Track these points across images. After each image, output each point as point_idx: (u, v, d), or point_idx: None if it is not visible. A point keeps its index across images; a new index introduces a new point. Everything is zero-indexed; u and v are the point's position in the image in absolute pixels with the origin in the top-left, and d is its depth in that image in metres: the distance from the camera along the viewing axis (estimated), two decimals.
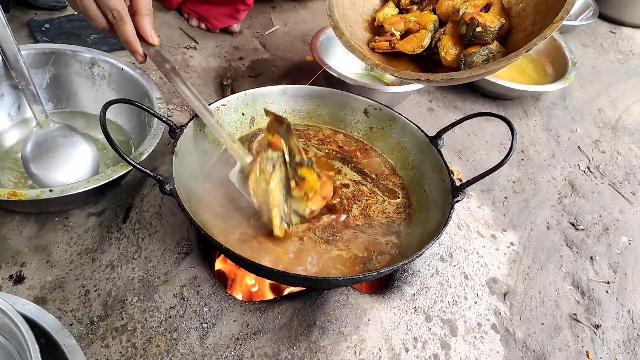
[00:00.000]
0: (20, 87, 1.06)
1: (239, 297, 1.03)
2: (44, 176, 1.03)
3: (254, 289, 1.07)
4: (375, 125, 1.15)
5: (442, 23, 1.06)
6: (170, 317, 0.90)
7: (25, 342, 0.63)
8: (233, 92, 1.09)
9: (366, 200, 1.02)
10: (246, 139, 1.10)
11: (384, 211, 1.01)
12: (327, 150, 1.12)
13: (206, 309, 0.91)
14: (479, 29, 0.94)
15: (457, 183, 0.94)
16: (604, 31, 2.54)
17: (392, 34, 1.06)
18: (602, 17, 2.61)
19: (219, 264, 1.07)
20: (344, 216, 0.97)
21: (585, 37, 2.45)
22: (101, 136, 1.16)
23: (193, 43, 1.75)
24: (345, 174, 1.07)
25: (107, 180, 0.95)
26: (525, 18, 0.99)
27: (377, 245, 0.93)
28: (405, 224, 0.99)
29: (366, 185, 1.06)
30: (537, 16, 0.96)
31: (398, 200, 1.04)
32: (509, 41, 1.01)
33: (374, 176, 1.08)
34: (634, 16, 2.59)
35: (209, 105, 1.03)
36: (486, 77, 1.65)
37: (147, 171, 0.82)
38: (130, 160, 0.80)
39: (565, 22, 2.34)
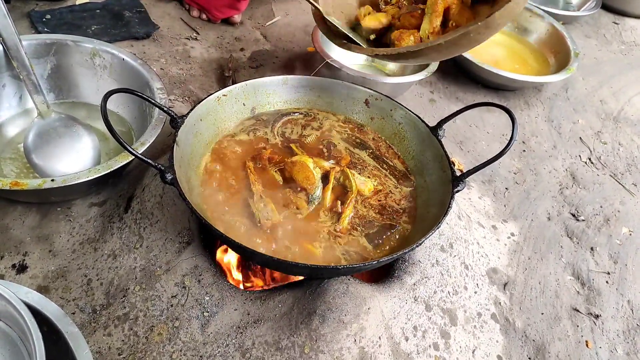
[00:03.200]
0: (21, 77, 1.07)
1: (240, 286, 1.03)
2: (46, 166, 1.04)
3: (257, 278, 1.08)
4: (376, 115, 1.15)
5: None
6: (172, 305, 0.91)
7: (28, 330, 0.63)
8: (234, 83, 1.09)
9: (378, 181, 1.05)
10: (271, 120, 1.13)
11: (391, 196, 1.02)
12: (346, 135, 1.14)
13: (207, 298, 0.91)
14: None
15: (458, 173, 0.94)
16: (606, 22, 2.53)
17: None
18: (605, 7, 2.59)
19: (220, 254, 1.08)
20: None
21: (588, 28, 2.44)
22: (102, 127, 1.17)
23: (194, 34, 1.74)
24: (364, 160, 1.09)
25: (109, 170, 0.95)
26: None
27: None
28: (408, 213, 0.99)
29: (380, 170, 1.07)
30: None
31: (409, 189, 1.04)
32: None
33: (390, 162, 1.10)
34: (637, 7, 2.58)
35: (209, 95, 1.03)
36: (488, 68, 1.65)
37: (149, 160, 0.82)
38: (132, 150, 0.80)
39: (568, 13, 2.33)
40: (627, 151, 1.71)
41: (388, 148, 1.13)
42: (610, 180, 1.57)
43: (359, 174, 1.04)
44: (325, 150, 1.08)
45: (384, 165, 1.08)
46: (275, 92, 1.14)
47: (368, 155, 1.10)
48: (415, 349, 0.95)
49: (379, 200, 1.00)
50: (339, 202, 0.96)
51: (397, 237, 0.94)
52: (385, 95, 1.13)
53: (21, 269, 0.97)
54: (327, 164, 1.02)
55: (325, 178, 0.99)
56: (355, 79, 1.37)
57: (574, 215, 1.41)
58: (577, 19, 2.37)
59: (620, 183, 1.56)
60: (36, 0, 1.65)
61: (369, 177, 1.04)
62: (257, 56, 1.73)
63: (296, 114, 1.15)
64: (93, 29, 1.57)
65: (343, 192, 0.99)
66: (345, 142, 1.12)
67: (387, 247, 0.92)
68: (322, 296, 0.91)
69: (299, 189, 0.97)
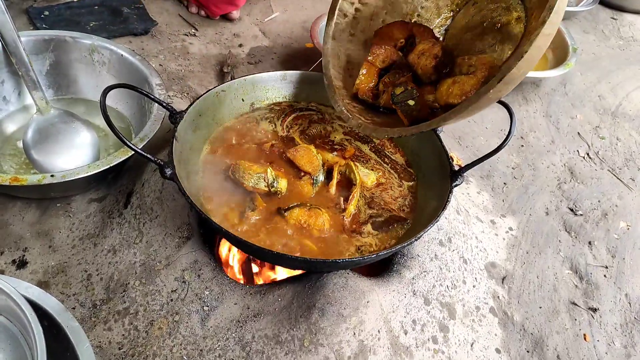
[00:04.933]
0: (20, 73, 1.07)
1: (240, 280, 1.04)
2: (45, 162, 1.04)
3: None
4: None
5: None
6: (171, 300, 0.91)
7: (29, 324, 0.64)
8: (233, 79, 1.09)
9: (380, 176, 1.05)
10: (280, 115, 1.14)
11: (392, 191, 1.03)
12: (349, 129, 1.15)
13: (207, 292, 0.92)
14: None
15: (456, 168, 0.95)
16: (605, 17, 2.53)
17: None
18: (603, 3, 2.60)
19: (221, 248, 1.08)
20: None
21: (586, 23, 2.44)
22: (101, 122, 1.17)
23: (193, 30, 1.74)
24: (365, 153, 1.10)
25: (108, 166, 0.95)
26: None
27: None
28: (407, 207, 1.00)
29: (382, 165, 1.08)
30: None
31: (410, 183, 1.05)
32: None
33: (391, 157, 1.10)
34: (635, 2, 2.58)
35: (208, 91, 1.03)
36: None
37: (148, 156, 0.82)
38: (131, 145, 0.80)
39: (566, 8, 2.33)
40: (625, 146, 1.71)
41: (389, 140, 1.13)
42: (608, 175, 1.57)
43: (362, 166, 1.04)
44: (328, 143, 1.09)
45: (385, 160, 1.08)
46: (273, 87, 1.14)
47: (369, 149, 1.10)
48: (414, 342, 0.95)
49: (373, 194, 1.00)
50: (342, 199, 0.97)
51: (400, 230, 0.95)
52: None
53: (21, 264, 0.97)
54: (331, 156, 1.03)
55: (329, 174, 1.00)
56: None
57: (572, 210, 1.41)
58: (576, 14, 2.37)
59: (618, 178, 1.57)
60: None
61: (372, 169, 1.04)
62: (256, 52, 1.73)
63: (310, 110, 1.16)
64: (91, 25, 1.57)
65: (347, 185, 1.00)
66: (348, 135, 1.12)
67: (392, 239, 0.93)
68: (321, 290, 0.92)
69: (302, 173, 0.98)
